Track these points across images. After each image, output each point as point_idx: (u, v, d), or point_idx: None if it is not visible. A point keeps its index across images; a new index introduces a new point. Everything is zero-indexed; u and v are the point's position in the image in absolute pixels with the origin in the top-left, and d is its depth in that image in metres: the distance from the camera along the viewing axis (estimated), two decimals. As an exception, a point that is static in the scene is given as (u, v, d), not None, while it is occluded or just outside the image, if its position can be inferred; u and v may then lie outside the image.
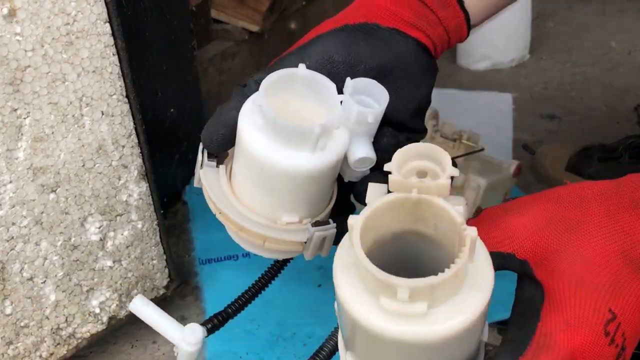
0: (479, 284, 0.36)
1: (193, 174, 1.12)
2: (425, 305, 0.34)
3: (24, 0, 0.54)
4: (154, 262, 0.72)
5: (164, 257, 0.73)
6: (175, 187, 0.98)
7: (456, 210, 0.37)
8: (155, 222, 0.71)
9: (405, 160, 0.39)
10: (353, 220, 0.37)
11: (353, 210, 0.54)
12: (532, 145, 1.08)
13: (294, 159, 0.46)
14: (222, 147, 0.51)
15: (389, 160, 0.39)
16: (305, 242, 0.51)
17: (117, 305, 0.69)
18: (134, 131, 0.66)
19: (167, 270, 0.73)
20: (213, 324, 0.56)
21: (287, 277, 0.81)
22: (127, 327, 0.75)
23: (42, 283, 0.62)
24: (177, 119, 0.94)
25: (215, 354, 0.70)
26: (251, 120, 0.46)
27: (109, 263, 0.67)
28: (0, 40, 0.54)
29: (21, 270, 0.60)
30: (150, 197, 0.69)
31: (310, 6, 1.43)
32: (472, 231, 0.35)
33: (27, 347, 0.62)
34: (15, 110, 0.56)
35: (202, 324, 0.55)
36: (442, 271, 0.35)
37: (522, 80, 1.33)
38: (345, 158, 0.49)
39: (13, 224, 0.59)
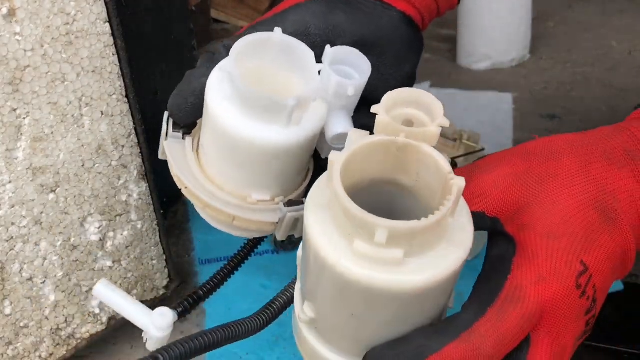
0: (457, 241, 0.35)
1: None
2: (401, 253, 0.32)
3: (23, 0, 0.54)
4: (154, 262, 0.72)
5: (164, 257, 0.73)
6: (175, 187, 0.98)
7: (443, 159, 0.35)
8: (155, 222, 0.70)
9: (394, 104, 0.37)
10: (334, 157, 0.34)
11: None
12: (532, 145, 1.08)
13: (265, 132, 0.42)
14: (191, 117, 0.48)
15: None
16: (277, 223, 0.47)
17: (116, 305, 0.69)
18: (133, 131, 0.65)
19: (167, 270, 0.73)
20: (184, 307, 0.52)
21: (287, 277, 0.81)
22: (126, 327, 0.75)
23: (41, 283, 0.62)
24: (177, 119, 0.94)
25: (215, 354, 0.70)
26: (219, 89, 0.43)
27: (109, 263, 0.67)
28: (-1, 40, 0.54)
29: (21, 270, 0.60)
30: (150, 197, 0.69)
31: (310, 6, 1.43)
32: (460, 181, 0.33)
33: (27, 348, 0.62)
34: (15, 110, 0.56)
35: (173, 308, 0.50)
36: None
37: (522, 80, 1.33)
38: (322, 133, 0.45)
39: (12, 224, 0.59)
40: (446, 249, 0.34)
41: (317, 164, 0.50)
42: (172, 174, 0.48)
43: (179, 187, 0.48)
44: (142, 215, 0.69)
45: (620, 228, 0.40)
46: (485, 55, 1.35)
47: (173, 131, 0.49)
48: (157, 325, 0.48)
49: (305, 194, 0.50)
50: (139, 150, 0.67)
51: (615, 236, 0.40)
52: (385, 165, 0.37)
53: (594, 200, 0.40)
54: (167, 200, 0.95)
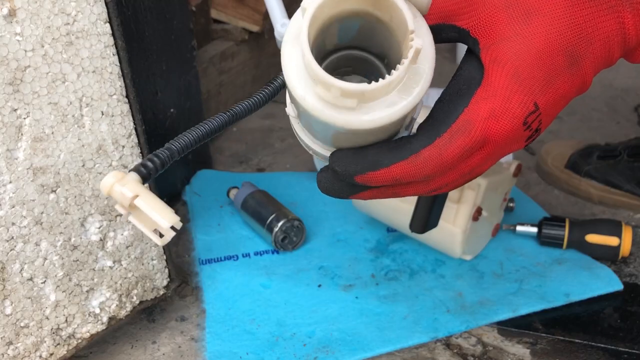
0: (410, 88, 0.38)
1: (193, 174, 1.12)
2: (355, 102, 0.37)
3: (24, 0, 0.54)
4: (154, 262, 0.72)
5: (164, 257, 0.73)
6: (175, 187, 0.98)
7: (411, 13, 0.37)
8: (155, 222, 0.70)
9: None
10: (308, 3, 0.37)
11: None
12: (532, 145, 1.08)
13: None
14: None
15: None
16: None
17: (117, 305, 0.69)
18: (133, 131, 0.66)
19: (167, 270, 0.73)
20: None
21: (287, 277, 0.81)
22: (126, 327, 0.75)
23: (42, 283, 0.62)
24: (177, 119, 0.94)
25: (215, 354, 0.70)
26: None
27: (109, 263, 0.67)
28: (0, 40, 0.54)
29: (21, 270, 0.60)
30: (150, 197, 0.69)
31: (310, 6, 1.43)
32: (418, 43, 0.37)
33: (27, 348, 0.63)
34: (15, 110, 0.56)
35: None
36: (389, 56, 0.40)
37: (522, 80, 1.32)
38: None
39: (13, 224, 0.59)
40: (399, 96, 0.38)
41: None
42: None
43: None
44: (143, 215, 0.69)
45: (582, 70, 0.43)
46: (485, 55, 1.35)
47: None
48: (279, 32, 0.66)
49: None
50: (139, 150, 0.67)
51: (575, 78, 0.43)
52: (362, 4, 0.39)
53: (568, 45, 0.42)
54: (167, 201, 0.95)
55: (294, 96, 0.39)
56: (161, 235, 0.40)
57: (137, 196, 0.39)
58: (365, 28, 0.40)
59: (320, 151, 0.45)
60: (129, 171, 0.40)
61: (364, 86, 0.36)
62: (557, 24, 0.42)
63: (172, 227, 0.41)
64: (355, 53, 0.43)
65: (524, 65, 0.41)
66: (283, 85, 0.45)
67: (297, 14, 0.39)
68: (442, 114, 0.42)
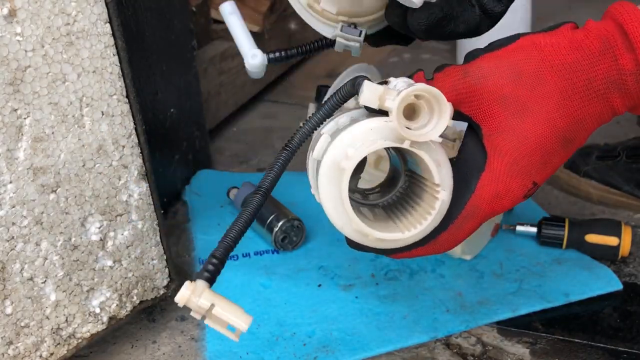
0: (429, 217, 0.46)
1: (193, 174, 1.12)
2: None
3: (24, 0, 0.54)
4: (154, 262, 0.72)
5: (164, 257, 0.73)
6: (175, 187, 0.98)
7: (436, 170, 0.44)
8: (156, 222, 0.71)
9: (408, 99, 0.43)
10: (345, 164, 0.44)
11: (402, 39, 0.56)
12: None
13: None
14: None
15: None
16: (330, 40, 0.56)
17: (117, 305, 0.69)
18: (134, 131, 0.66)
19: (167, 270, 0.74)
20: (276, 57, 0.62)
21: (287, 277, 0.81)
22: (127, 327, 0.75)
23: (42, 283, 0.62)
24: (177, 119, 0.94)
25: (215, 354, 0.70)
26: None
27: (109, 263, 0.67)
28: (0, 40, 0.54)
29: (21, 270, 0.60)
30: (150, 197, 0.69)
31: (310, 6, 1.43)
32: (444, 195, 0.45)
33: (27, 347, 0.63)
34: (16, 110, 0.56)
35: (266, 52, 0.62)
36: (416, 175, 0.48)
37: (522, 80, 1.32)
38: None
39: (13, 224, 0.59)
40: (419, 229, 0.47)
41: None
42: None
43: None
44: (143, 215, 0.69)
45: (576, 144, 0.49)
46: (485, 55, 1.35)
47: None
48: (250, 64, 0.62)
49: (375, 24, 0.57)
50: (140, 151, 0.67)
51: (569, 152, 0.49)
52: (397, 144, 0.45)
53: (562, 131, 0.47)
54: (167, 200, 0.95)
55: (332, 223, 0.46)
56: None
57: (213, 305, 0.44)
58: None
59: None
60: (196, 279, 0.45)
61: (398, 235, 0.45)
62: (551, 118, 0.47)
63: None
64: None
65: (522, 155, 0.47)
66: (297, 148, 0.50)
67: (325, 137, 0.47)
68: (453, 200, 0.48)
